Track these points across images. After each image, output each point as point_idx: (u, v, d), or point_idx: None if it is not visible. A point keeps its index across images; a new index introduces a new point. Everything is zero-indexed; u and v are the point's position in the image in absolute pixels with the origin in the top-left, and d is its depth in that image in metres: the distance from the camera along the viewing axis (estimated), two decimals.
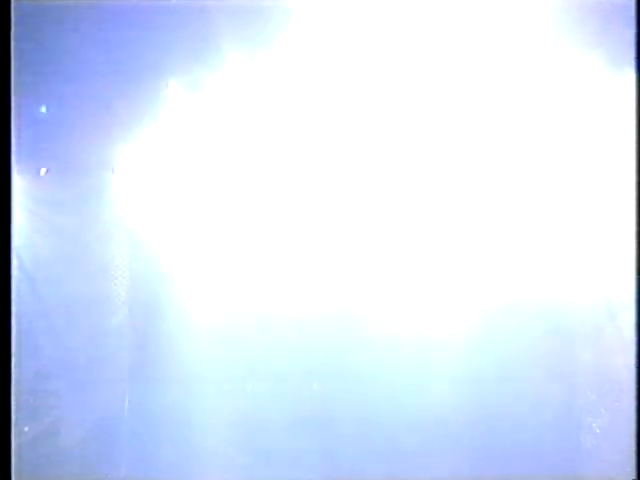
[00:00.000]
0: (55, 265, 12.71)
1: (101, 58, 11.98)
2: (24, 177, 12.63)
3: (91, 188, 12.64)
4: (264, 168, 12.67)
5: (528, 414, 11.98)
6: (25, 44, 11.68)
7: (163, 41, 11.89)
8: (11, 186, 9.52)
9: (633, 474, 10.21)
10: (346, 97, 12.17)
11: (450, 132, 12.39)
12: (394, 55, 11.92)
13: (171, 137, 12.62)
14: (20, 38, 11.39)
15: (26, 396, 12.35)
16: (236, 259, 12.71)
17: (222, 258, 12.72)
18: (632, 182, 11.10)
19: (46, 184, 12.73)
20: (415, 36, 11.84)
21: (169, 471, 12.06)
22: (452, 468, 12.10)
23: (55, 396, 12.42)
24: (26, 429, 12.23)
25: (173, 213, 12.69)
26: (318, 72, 12.00)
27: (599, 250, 12.49)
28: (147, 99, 12.42)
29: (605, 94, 12.11)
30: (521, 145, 12.40)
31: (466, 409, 12.04)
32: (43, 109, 12.56)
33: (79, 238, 12.61)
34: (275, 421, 12.28)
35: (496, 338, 12.14)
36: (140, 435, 12.23)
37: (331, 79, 12.06)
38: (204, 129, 12.60)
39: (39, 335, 12.56)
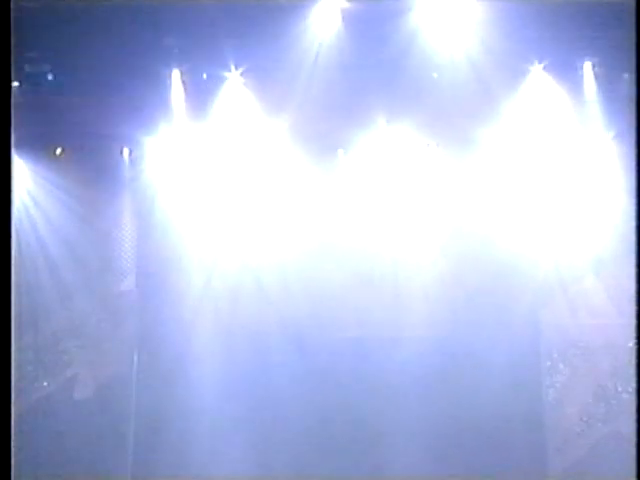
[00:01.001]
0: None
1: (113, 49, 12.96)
2: (42, 156, 13.83)
3: (103, 166, 13.81)
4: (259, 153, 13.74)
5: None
6: (44, 36, 12.86)
7: (168, 34, 12.86)
8: (11, 185, 10.22)
9: (633, 474, 10.55)
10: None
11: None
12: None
13: (175, 119, 13.58)
14: (38, 31, 12.60)
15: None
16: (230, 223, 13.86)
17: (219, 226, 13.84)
18: (632, 182, 12.09)
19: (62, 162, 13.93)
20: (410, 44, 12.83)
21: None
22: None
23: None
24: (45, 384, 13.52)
25: (179, 188, 13.85)
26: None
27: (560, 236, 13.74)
28: (153, 85, 13.33)
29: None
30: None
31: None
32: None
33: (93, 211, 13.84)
34: None
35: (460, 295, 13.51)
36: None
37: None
38: (204, 112, 13.53)
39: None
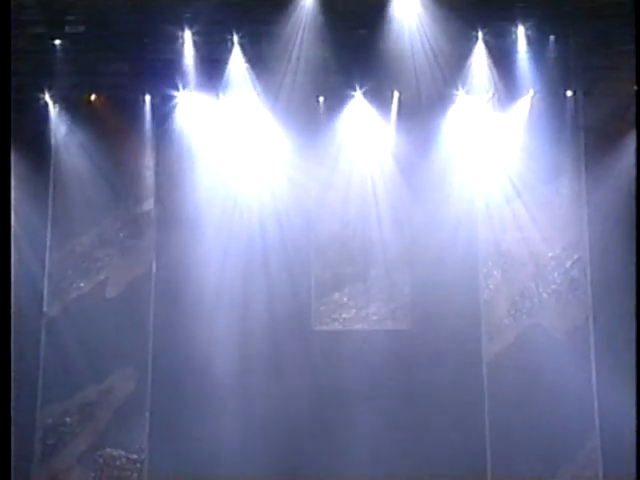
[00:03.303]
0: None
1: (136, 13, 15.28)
2: (79, 101, 16.34)
3: (129, 110, 16.29)
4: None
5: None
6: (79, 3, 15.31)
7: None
8: (10, 184, 11.56)
9: (633, 474, 12.01)
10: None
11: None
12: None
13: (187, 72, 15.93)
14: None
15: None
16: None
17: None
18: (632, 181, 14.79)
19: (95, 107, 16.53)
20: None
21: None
22: None
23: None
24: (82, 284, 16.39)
25: (193, 128, 16.15)
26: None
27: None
28: (169, 43, 15.75)
29: None
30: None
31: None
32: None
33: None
34: None
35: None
36: None
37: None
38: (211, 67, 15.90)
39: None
